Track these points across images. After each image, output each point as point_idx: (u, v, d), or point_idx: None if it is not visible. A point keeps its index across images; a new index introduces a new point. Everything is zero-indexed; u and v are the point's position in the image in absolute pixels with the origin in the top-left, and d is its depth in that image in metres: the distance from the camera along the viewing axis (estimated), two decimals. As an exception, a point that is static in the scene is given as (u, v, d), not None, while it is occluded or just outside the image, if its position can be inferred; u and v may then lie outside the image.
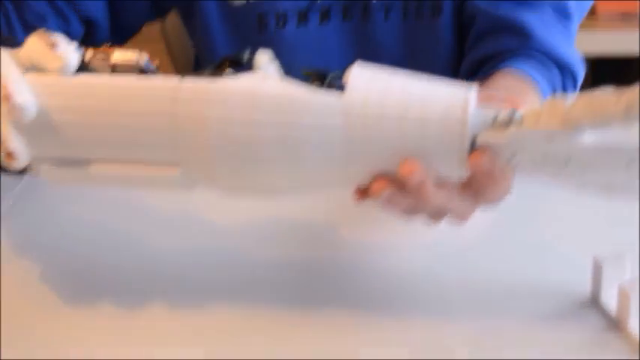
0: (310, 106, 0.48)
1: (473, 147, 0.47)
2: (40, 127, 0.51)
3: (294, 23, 0.83)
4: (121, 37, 0.89)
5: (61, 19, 0.82)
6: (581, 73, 0.83)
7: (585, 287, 0.53)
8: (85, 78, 0.51)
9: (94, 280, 0.57)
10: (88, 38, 0.86)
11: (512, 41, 0.80)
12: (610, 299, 0.51)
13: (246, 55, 0.50)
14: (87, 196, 0.69)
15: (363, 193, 0.50)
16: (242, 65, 0.50)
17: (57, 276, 0.58)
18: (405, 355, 0.49)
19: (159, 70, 0.53)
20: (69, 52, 0.51)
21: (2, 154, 0.51)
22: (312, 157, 0.48)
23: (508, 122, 0.46)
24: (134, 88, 0.50)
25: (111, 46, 0.53)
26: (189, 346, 0.50)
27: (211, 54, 0.87)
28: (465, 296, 0.54)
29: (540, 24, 0.81)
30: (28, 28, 0.78)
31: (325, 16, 0.84)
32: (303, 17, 0.84)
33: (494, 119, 0.46)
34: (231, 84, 0.49)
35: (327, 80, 0.49)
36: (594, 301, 0.52)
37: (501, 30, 0.81)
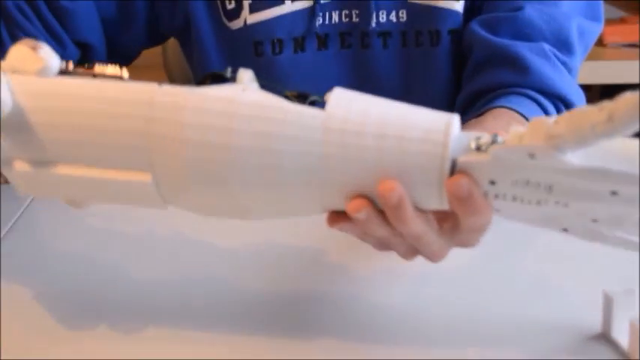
0: (290, 118, 0.46)
1: (453, 172, 0.45)
2: (14, 126, 0.50)
3: (291, 50, 0.83)
4: (118, 62, 0.88)
5: (56, 43, 0.82)
6: (580, 106, 0.82)
7: (596, 321, 0.52)
8: (63, 79, 0.51)
9: (91, 307, 0.57)
10: (84, 62, 0.85)
11: (509, 75, 0.79)
12: (621, 334, 0.50)
13: (228, 72, 0.49)
14: (85, 222, 0.69)
15: (338, 217, 0.48)
16: (225, 81, 0.49)
17: (54, 302, 0.57)
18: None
19: None
20: (50, 54, 0.51)
21: None
22: (288, 171, 0.47)
23: (490, 145, 0.44)
24: (111, 90, 0.49)
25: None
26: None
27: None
28: (473, 331, 0.52)
29: (538, 57, 0.79)
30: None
31: (322, 43, 0.83)
32: (300, 44, 0.83)
33: (477, 143, 0.45)
34: (211, 91, 0.48)
35: (308, 101, 0.48)
36: (605, 336, 0.51)
37: (499, 62, 0.80)
